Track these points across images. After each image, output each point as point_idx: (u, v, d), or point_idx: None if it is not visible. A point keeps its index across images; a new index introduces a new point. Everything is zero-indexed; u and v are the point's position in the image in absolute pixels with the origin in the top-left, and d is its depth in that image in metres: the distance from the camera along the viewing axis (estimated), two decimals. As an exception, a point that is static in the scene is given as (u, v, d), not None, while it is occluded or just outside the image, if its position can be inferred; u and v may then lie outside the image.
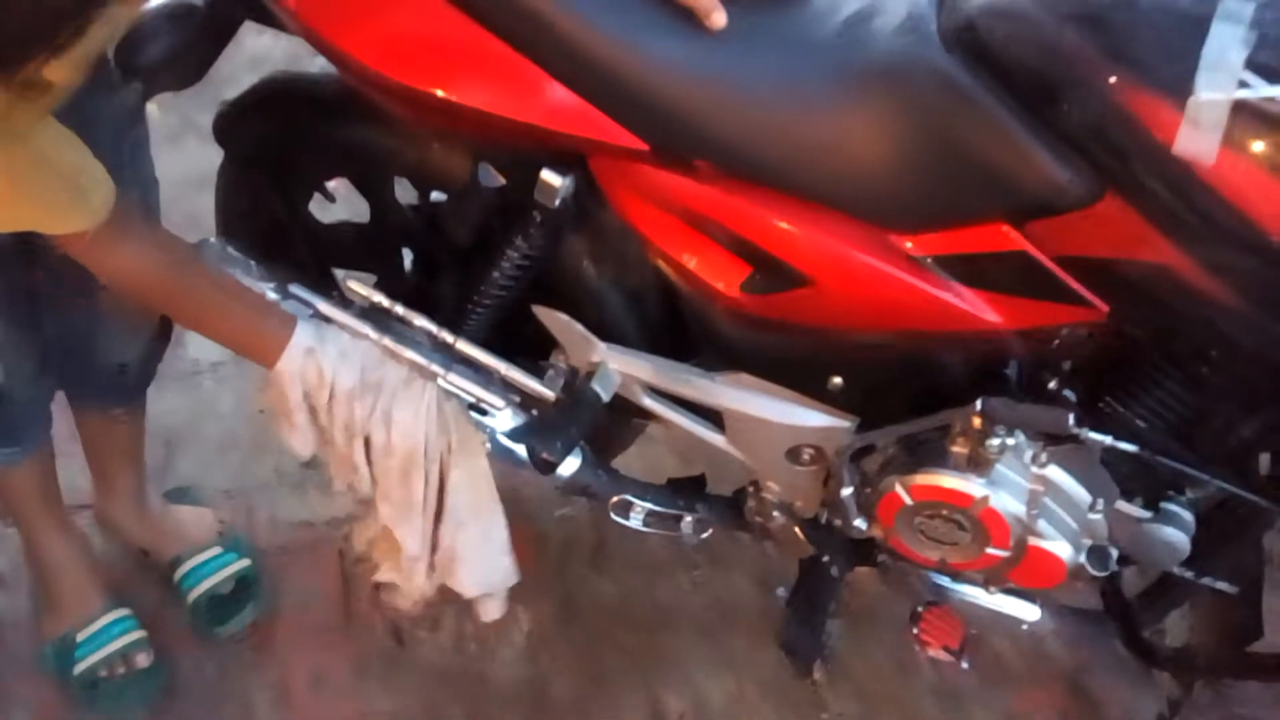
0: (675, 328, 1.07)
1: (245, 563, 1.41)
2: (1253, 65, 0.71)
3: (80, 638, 1.31)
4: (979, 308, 0.89)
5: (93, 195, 0.87)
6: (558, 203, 0.97)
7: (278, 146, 1.17)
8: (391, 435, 0.99)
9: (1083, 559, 1.01)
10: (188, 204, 1.22)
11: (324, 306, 1.03)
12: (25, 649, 1.35)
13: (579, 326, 1.05)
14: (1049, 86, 0.78)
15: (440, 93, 0.93)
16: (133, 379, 1.29)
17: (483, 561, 1.06)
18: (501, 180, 1.02)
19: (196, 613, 1.38)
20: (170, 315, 1.05)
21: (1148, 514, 0.99)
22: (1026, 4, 0.79)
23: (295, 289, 1.04)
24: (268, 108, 1.16)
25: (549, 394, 1.07)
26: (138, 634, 1.33)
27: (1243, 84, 0.71)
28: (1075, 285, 0.85)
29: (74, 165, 0.87)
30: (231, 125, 1.17)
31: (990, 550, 1.03)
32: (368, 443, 1.00)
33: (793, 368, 1.02)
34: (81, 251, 0.90)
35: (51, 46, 0.71)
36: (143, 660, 1.32)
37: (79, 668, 1.30)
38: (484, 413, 1.05)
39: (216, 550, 1.40)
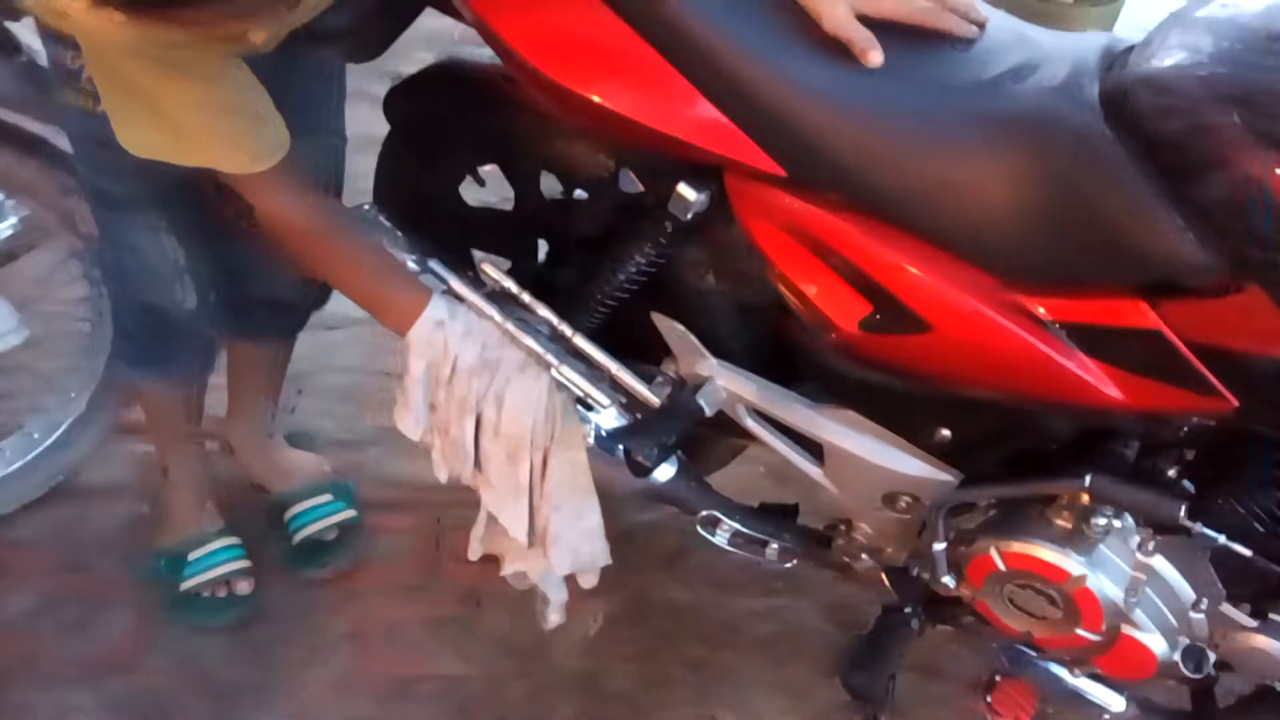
0: (785, 353, 1.08)
1: (351, 513, 1.48)
2: None
3: (192, 556, 1.40)
4: (1102, 381, 0.86)
5: (266, 141, 0.94)
6: (690, 216, 0.99)
7: (439, 127, 1.22)
8: (502, 416, 1.03)
9: (1177, 657, 0.98)
10: (350, 165, 1.30)
11: (456, 284, 1.07)
12: (134, 554, 1.46)
13: (693, 338, 1.07)
14: (1198, 165, 0.76)
15: (592, 95, 0.96)
16: (293, 318, 1.39)
17: (574, 540, 1.09)
18: (640, 187, 1.04)
19: (299, 551, 1.46)
20: (316, 269, 1.12)
21: (1253, 622, 0.94)
22: (1190, 79, 0.76)
23: (433, 264, 1.08)
24: (435, 90, 1.22)
25: (654, 400, 1.08)
26: (243, 563, 1.42)
27: None
28: (1206, 373, 0.82)
29: (254, 112, 0.94)
30: (400, 102, 1.23)
31: (1080, 631, 0.99)
32: (478, 423, 1.04)
33: (900, 412, 1.01)
34: (246, 190, 0.97)
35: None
36: (244, 587, 1.41)
37: (186, 584, 1.40)
38: (589, 408, 1.08)
39: (327, 497, 1.48)
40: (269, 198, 0.98)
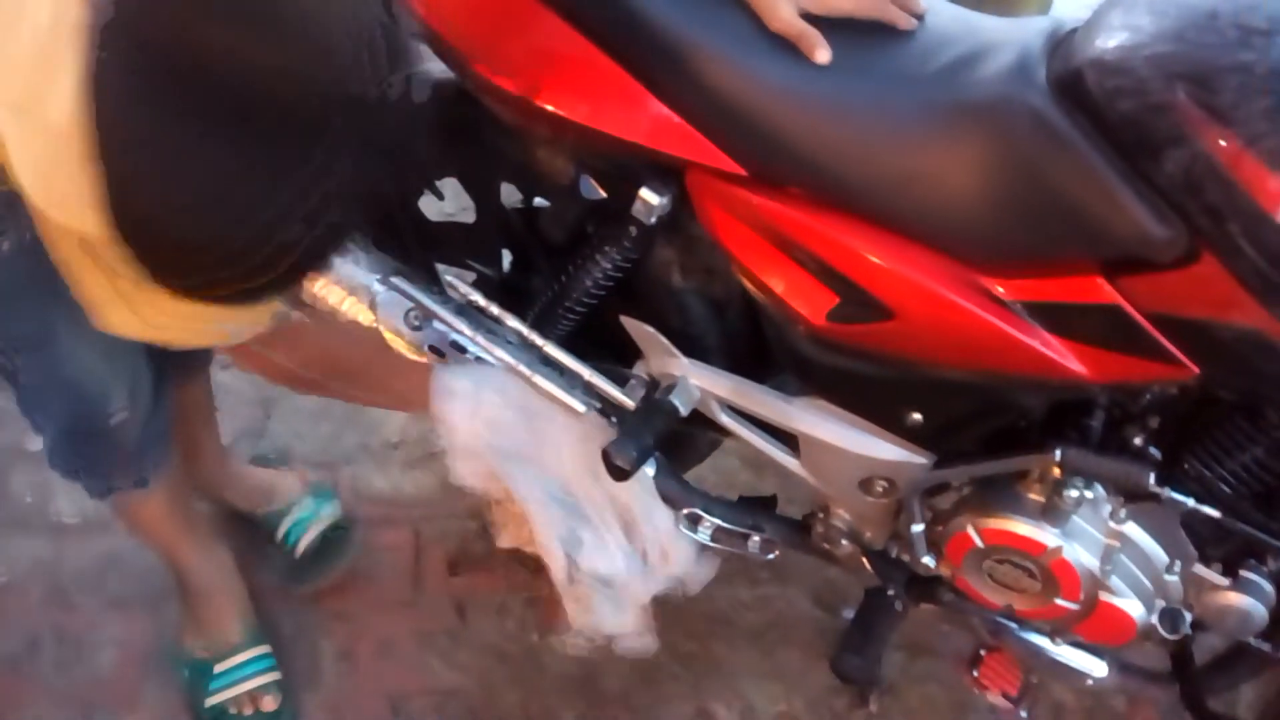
0: (756, 347, 1.09)
1: (338, 512, 1.48)
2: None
3: (218, 669, 1.34)
4: (1066, 357, 0.88)
5: (259, 309, 0.84)
6: (653, 219, 0.99)
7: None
8: (547, 463, 1.04)
9: (1154, 620, 1.00)
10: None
11: (423, 300, 1.07)
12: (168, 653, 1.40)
13: (663, 339, 1.08)
14: (1151, 142, 0.78)
15: (547, 105, 0.96)
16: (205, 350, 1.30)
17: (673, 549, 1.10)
18: (602, 193, 1.05)
19: (303, 562, 1.44)
20: (324, 395, 1.08)
21: (1225, 581, 0.97)
22: (1138, 59, 0.78)
23: (398, 281, 1.08)
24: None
25: (629, 402, 1.09)
26: (272, 675, 1.35)
27: (1358, 158, 0.69)
28: (1166, 343, 0.83)
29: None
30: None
31: (1059, 601, 1.01)
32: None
33: (872, 399, 1.02)
34: (238, 354, 0.92)
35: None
36: (269, 704, 1.34)
37: (210, 700, 1.34)
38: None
39: (311, 503, 1.47)
40: (260, 360, 0.94)
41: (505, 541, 1.10)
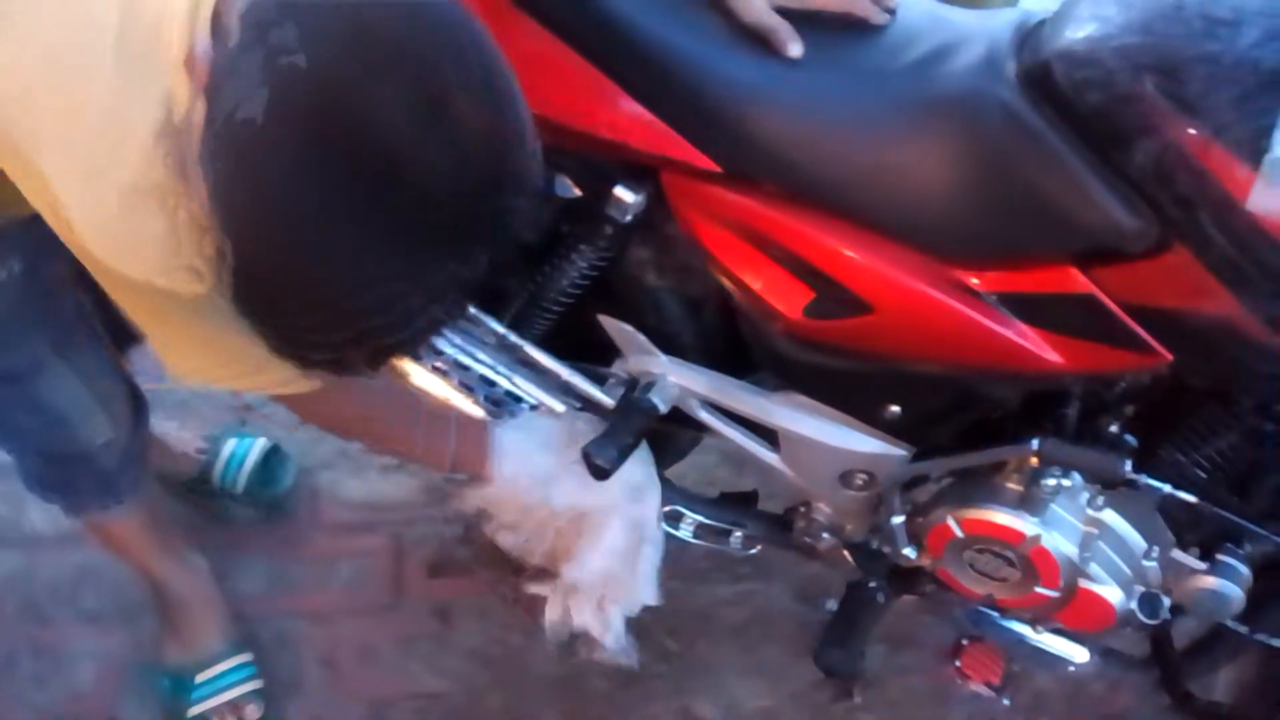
0: (735, 343, 1.09)
1: (263, 440, 1.49)
2: (1335, 128, 0.70)
3: (199, 679, 1.33)
4: (1041, 347, 0.88)
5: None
6: (629, 217, 0.99)
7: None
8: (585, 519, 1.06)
9: (1133, 605, 1.01)
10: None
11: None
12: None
13: (641, 337, 1.08)
14: (1121, 133, 0.78)
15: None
16: None
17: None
18: (576, 192, 1.04)
19: (249, 495, 1.46)
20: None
21: (1202, 565, 0.98)
22: (1106, 51, 0.79)
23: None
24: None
25: (608, 402, 1.09)
26: (254, 684, 1.34)
27: (1323, 145, 0.70)
28: (1140, 332, 0.84)
29: None
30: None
31: (1039, 589, 1.02)
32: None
33: (850, 393, 1.03)
34: (294, 403, 0.91)
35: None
36: (251, 713, 1.33)
37: (192, 710, 1.32)
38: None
39: (233, 441, 1.49)
40: (318, 405, 0.92)
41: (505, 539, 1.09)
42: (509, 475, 1.03)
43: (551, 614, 1.12)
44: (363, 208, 0.54)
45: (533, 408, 1.11)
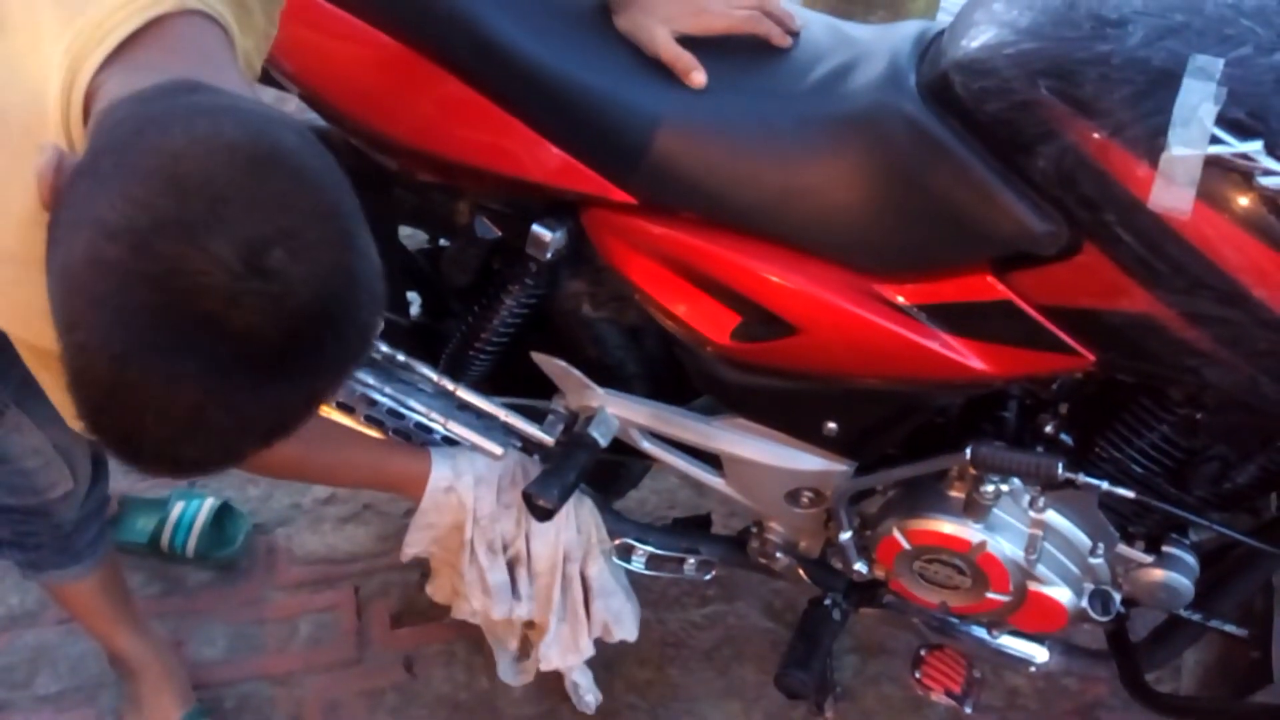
0: (676, 371, 1.08)
1: (212, 500, 1.49)
2: (1223, 122, 0.71)
3: None
4: (966, 356, 0.88)
5: None
6: (550, 255, 0.98)
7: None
8: (534, 551, 1.08)
9: (1085, 604, 1.01)
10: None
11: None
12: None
13: (576, 372, 1.07)
14: (1022, 140, 0.79)
15: (434, 149, 0.95)
16: None
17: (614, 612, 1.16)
18: (497, 232, 1.04)
19: (203, 554, 1.45)
20: (313, 481, 1.11)
21: (1149, 558, 0.98)
22: (1001, 59, 0.79)
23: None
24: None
25: (548, 439, 1.08)
26: None
27: (1214, 140, 0.70)
28: (1060, 334, 0.84)
29: None
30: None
31: (990, 595, 1.02)
32: (512, 565, 1.09)
33: (787, 412, 1.02)
34: None
35: None
36: None
37: None
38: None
39: (180, 505, 1.48)
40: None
41: (440, 596, 1.09)
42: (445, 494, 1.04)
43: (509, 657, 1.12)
44: (184, 355, 0.52)
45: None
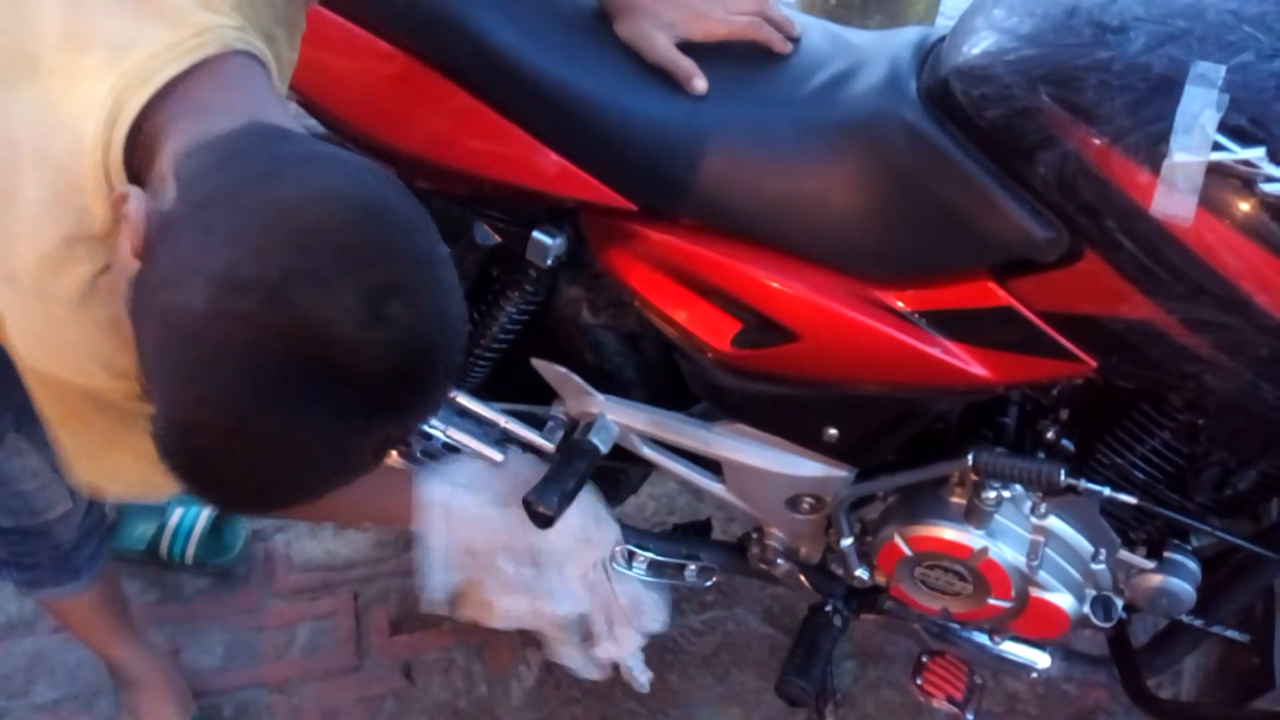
0: (674, 377, 1.08)
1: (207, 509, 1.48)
2: (1225, 128, 0.71)
3: None
4: (967, 362, 0.88)
5: None
6: (549, 261, 0.98)
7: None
8: (546, 566, 1.06)
9: (1086, 609, 1.01)
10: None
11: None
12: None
13: (576, 379, 1.07)
14: (1022, 146, 0.78)
15: (434, 157, 0.95)
16: None
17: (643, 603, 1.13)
18: (496, 239, 1.03)
19: (201, 562, 1.45)
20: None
21: (1151, 564, 0.98)
22: (1001, 65, 0.79)
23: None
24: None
25: (548, 446, 1.08)
26: None
27: (1216, 146, 0.70)
28: (1061, 340, 0.84)
29: None
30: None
31: (992, 601, 1.02)
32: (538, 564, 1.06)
33: (787, 419, 1.02)
34: None
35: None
36: None
37: None
38: None
39: (179, 511, 1.47)
40: None
41: (469, 612, 1.08)
42: (437, 529, 1.02)
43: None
44: (300, 403, 0.53)
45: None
